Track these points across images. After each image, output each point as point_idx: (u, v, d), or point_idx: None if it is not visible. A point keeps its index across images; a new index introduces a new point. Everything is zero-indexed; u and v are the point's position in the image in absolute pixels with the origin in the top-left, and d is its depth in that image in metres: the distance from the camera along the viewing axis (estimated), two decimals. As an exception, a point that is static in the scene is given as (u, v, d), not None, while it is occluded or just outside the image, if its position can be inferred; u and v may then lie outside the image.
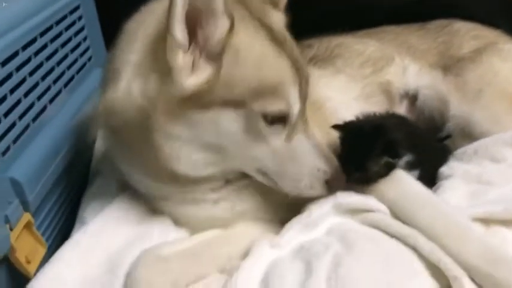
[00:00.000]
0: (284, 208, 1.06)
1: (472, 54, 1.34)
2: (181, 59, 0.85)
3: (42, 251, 1.02)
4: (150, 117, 0.89)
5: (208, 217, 1.04)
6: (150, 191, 1.05)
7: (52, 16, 1.21)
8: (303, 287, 0.87)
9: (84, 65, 1.42)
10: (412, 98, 1.35)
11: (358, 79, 1.33)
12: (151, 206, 1.08)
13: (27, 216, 0.99)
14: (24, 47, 1.07)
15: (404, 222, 0.97)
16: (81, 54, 1.41)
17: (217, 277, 0.97)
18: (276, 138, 0.94)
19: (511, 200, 1.03)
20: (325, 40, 1.38)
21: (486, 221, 0.99)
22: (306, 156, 0.96)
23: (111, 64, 0.98)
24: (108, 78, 0.98)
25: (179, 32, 0.82)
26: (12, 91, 1.00)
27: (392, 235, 0.96)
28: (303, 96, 0.95)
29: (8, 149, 0.98)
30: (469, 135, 1.24)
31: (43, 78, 1.15)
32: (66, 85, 1.28)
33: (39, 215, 1.06)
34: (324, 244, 0.96)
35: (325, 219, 1.02)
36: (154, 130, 0.90)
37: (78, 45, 1.38)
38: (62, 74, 1.27)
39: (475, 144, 1.19)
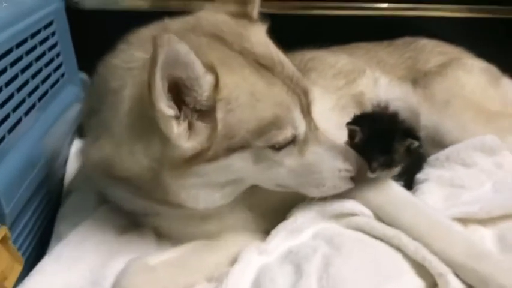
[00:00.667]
0: (272, 218, 1.06)
1: (438, 68, 1.41)
2: (175, 127, 0.82)
3: (18, 266, 0.97)
4: (160, 173, 0.88)
5: (196, 232, 1.03)
6: (136, 208, 1.02)
7: (27, 29, 1.20)
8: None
9: (57, 81, 1.40)
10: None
11: (332, 90, 1.37)
12: (132, 219, 1.06)
13: (3, 230, 0.94)
14: (1, 57, 1.05)
15: (389, 224, 0.99)
16: (55, 70, 1.39)
17: (206, 285, 0.96)
18: (289, 159, 0.92)
19: (485, 200, 1.09)
20: (298, 54, 1.42)
21: (464, 221, 1.03)
22: (323, 164, 0.95)
23: (97, 116, 0.93)
24: (95, 128, 0.94)
25: (164, 106, 0.79)
26: (-12, 100, 0.98)
27: (377, 237, 0.99)
28: (306, 112, 0.93)
29: (-17, 160, 0.95)
30: (440, 143, 1.29)
31: (18, 90, 1.13)
32: (40, 99, 1.26)
33: (15, 229, 1.02)
34: (312, 247, 0.97)
35: (311, 224, 1.04)
36: (166, 183, 0.89)
37: (51, 60, 1.36)
38: (36, 87, 1.24)
39: (447, 151, 1.24)
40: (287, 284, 0.89)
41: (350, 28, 1.59)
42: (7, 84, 1.07)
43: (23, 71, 1.16)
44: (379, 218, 1.02)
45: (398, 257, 0.94)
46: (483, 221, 1.03)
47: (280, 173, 0.93)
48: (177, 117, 0.82)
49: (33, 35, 1.23)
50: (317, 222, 1.04)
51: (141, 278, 0.90)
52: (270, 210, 1.06)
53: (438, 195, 1.14)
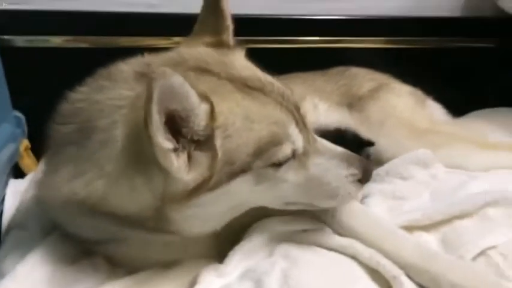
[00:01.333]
0: (233, 244, 1.05)
1: (370, 92, 1.52)
2: (175, 161, 0.81)
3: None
4: (162, 207, 0.87)
5: (156, 259, 1.00)
6: (94, 235, 0.98)
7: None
8: (257, 303, 0.87)
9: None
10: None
11: None
12: (82, 248, 1.01)
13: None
14: None
15: (343, 235, 1.03)
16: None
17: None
18: (292, 174, 0.93)
19: (425, 208, 1.16)
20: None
21: (409, 229, 1.09)
22: (328, 173, 0.96)
23: (76, 151, 0.90)
24: (70, 162, 0.91)
25: (163, 140, 0.79)
26: None
27: (332, 248, 1.02)
28: (302, 125, 0.94)
29: None
30: (378, 160, 1.37)
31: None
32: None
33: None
34: (270, 262, 0.98)
35: (266, 243, 1.05)
36: (167, 215, 0.88)
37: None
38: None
39: (386, 166, 1.32)
40: (249, 300, 0.89)
41: (285, 60, 1.67)
42: None
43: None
44: (333, 228, 1.05)
45: (353, 264, 0.98)
46: (426, 227, 1.09)
47: (284, 189, 0.94)
48: (176, 150, 0.81)
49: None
50: (273, 241, 1.05)
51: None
52: (233, 235, 1.05)
53: (382, 207, 1.20)
